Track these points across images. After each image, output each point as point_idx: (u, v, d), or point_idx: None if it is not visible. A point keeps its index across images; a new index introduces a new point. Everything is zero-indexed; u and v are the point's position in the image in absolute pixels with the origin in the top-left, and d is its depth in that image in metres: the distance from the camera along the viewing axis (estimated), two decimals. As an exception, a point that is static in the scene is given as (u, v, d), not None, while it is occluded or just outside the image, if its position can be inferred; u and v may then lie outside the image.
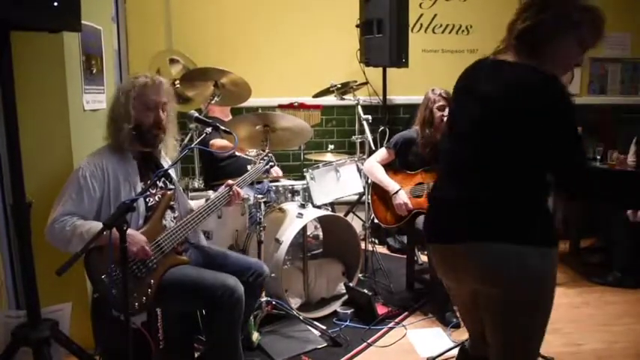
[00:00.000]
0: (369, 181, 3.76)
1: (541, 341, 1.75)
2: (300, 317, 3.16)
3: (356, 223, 4.31)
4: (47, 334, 2.12)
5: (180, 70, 4.16)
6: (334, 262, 3.69)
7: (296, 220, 3.32)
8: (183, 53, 4.43)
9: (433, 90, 3.54)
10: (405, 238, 4.66)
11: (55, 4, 1.88)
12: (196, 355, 2.75)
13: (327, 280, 3.59)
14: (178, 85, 3.79)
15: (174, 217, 2.54)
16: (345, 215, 4.61)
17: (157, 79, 2.42)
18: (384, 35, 4.41)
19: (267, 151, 3.20)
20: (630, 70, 5.60)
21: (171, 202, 2.52)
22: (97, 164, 2.32)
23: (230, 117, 4.09)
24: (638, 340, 3.22)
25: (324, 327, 3.15)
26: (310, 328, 3.17)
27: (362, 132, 3.89)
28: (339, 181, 3.67)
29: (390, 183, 3.55)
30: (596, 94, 5.58)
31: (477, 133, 1.71)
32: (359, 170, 3.77)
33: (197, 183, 3.62)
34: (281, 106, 4.64)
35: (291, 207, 3.50)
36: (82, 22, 2.97)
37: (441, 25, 5.31)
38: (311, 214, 3.39)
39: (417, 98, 4.88)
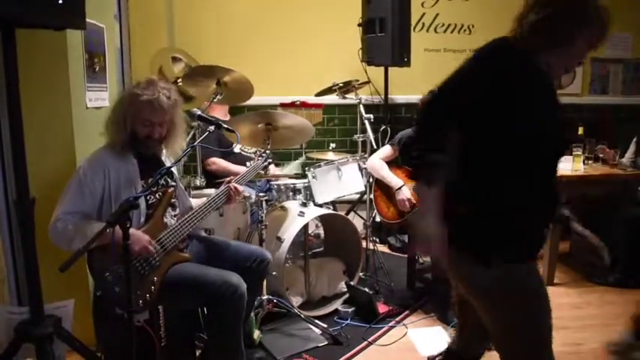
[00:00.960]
0: (372, 178, 3.77)
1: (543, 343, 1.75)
2: (302, 315, 3.16)
3: (357, 221, 4.31)
4: (50, 331, 2.12)
5: (183, 68, 4.17)
6: (335, 261, 3.70)
7: (297, 219, 3.33)
8: (186, 51, 4.44)
9: None
10: (406, 237, 4.67)
11: (60, 1, 1.88)
12: (198, 352, 2.76)
13: (328, 279, 3.60)
14: (181, 83, 3.79)
15: (175, 215, 2.55)
16: (347, 214, 4.62)
17: (161, 97, 2.35)
18: (386, 34, 4.42)
19: (267, 149, 3.23)
20: (632, 71, 5.60)
21: (172, 200, 2.53)
22: (97, 163, 2.34)
23: (228, 117, 4.10)
24: (638, 341, 3.23)
25: (325, 325, 3.15)
26: (311, 326, 3.17)
27: (364, 131, 3.90)
28: (340, 179, 3.67)
29: (394, 179, 3.57)
30: (598, 94, 5.59)
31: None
32: (360, 169, 3.77)
33: (199, 181, 3.63)
34: (283, 105, 4.65)
35: (292, 205, 3.51)
36: (86, 20, 3.00)
37: (443, 25, 5.32)
38: (312, 212, 3.40)
39: (419, 98, 4.92)
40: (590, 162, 4.28)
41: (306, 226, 3.46)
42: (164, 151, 2.57)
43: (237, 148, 3.98)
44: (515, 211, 1.67)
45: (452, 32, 5.31)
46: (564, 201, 4.18)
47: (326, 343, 3.06)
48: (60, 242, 2.20)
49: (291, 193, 3.70)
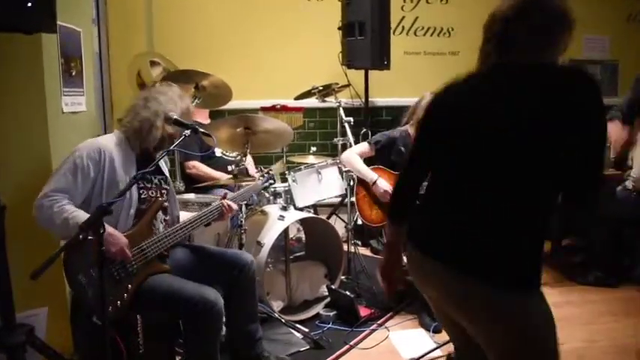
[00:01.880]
0: (352, 182, 3.76)
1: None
2: (283, 320, 3.14)
3: (339, 225, 4.32)
4: (22, 340, 2.08)
5: (161, 72, 4.13)
6: (317, 265, 3.68)
7: (278, 223, 3.31)
8: (165, 56, 4.41)
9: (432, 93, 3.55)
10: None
11: (29, 4, 1.86)
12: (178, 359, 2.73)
13: (309, 283, 3.58)
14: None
15: (165, 219, 2.53)
16: (328, 217, 4.62)
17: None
18: (366, 38, 4.43)
19: (269, 168, 3.30)
20: (609, 72, 5.67)
21: (165, 204, 2.53)
22: (96, 147, 2.32)
23: (209, 120, 4.08)
24: (618, 338, 3.25)
25: (306, 329, 3.14)
26: (292, 330, 3.15)
27: (344, 134, 3.90)
28: (320, 183, 3.67)
29: (369, 172, 3.55)
30: None
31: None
32: (341, 172, 3.76)
33: (179, 185, 3.60)
34: (263, 109, 4.64)
35: (272, 209, 3.49)
36: (61, 23, 2.95)
37: (422, 28, 5.35)
38: (293, 216, 3.39)
39: (399, 100, 4.95)
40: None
41: (286, 230, 3.44)
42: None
43: (218, 152, 3.95)
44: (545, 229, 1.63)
45: (431, 35, 5.34)
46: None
47: (307, 347, 3.04)
48: (41, 220, 2.18)
49: (271, 197, 3.68)
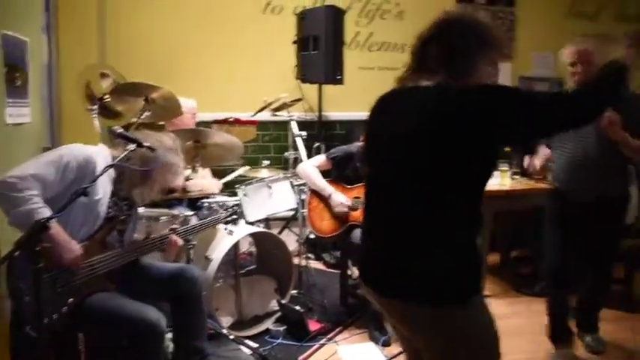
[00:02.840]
0: (303, 195, 3.76)
1: None
2: (230, 336, 3.11)
3: (291, 238, 4.31)
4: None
5: (110, 84, 4.06)
6: (267, 279, 3.66)
7: (227, 238, 3.29)
8: (116, 68, 4.34)
9: None
10: (339, 254, 4.67)
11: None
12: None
13: (260, 298, 3.56)
14: (108, 99, 3.70)
15: (120, 241, 2.50)
16: (281, 231, 4.61)
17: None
18: (320, 52, 4.46)
19: (235, 202, 3.38)
20: (557, 88, 5.84)
21: (122, 226, 2.51)
22: (87, 153, 2.30)
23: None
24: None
25: (255, 345, 3.11)
26: (241, 346, 3.12)
27: (296, 148, 3.90)
28: (271, 197, 3.66)
29: (326, 186, 3.56)
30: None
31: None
32: (292, 186, 3.77)
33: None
34: (217, 122, 4.60)
35: (222, 224, 3.46)
36: (5, 32, 2.89)
37: (377, 43, 5.42)
38: (242, 231, 3.37)
39: (353, 115, 5.00)
40: (517, 177, 4.42)
41: (236, 245, 3.42)
42: None
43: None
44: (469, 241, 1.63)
45: (386, 51, 5.42)
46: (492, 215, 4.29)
47: (256, 363, 3.02)
48: (3, 200, 2.10)
49: (222, 212, 3.65)
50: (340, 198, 3.51)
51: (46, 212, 2.08)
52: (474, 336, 1.61)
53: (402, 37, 5.35)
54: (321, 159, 3.68)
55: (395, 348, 3.15)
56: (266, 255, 3.85)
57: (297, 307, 3.39)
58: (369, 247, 1.74)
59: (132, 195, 2.52)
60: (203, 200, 3.56)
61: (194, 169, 3.28)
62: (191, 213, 3.29)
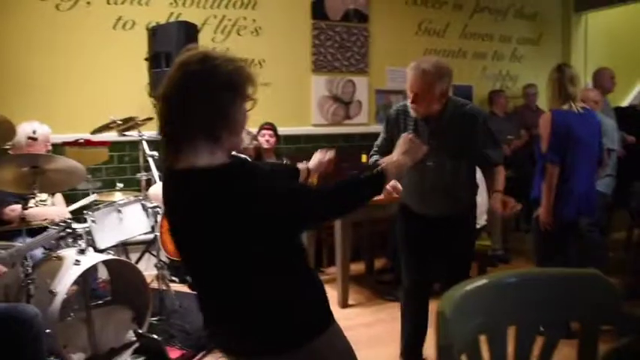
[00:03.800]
0: (159, 217, 3.61)
1: None
2: (80, 374, 2.89)
3: (153, 262, 4.12)
4: None
5: None
6: (123, 309, 3.46)
7: (73, 268, 3.06)
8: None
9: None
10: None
11: None
12: None
13: (115, 329, 3.35)
14: None
15: None
16: (141, 255, 4.39)
17: None
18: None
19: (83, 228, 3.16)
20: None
21: None
22: None
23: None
24: (428, 348, 3.44)
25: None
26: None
27: (149, 169, 3.74)
28: (122, 222, 3.47)
29: None
30: (383, 122, 5.98)
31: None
32: (145, 209, 3.60)
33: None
34: (66, 144, 4.30)
35: (69, 253, 3.22)
36: None
37: (234, 59, 5.37)
38: (90, 260, 3.15)
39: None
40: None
41: (85, 275, 3.19)
42: None
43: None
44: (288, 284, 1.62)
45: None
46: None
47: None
48: None
49: (70, 240, 3.40)
50: None
51: None
52: None
53: (260, 53, 5.35)
54: None
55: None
56: (121, 283, 3.64)
57: (155, 336, 3.23)
58: (204, 308, 1.71)
59: None
60: (48, 229, 3.29)
61: (34, 196, 3.03)
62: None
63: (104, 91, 4.81)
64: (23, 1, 4.63)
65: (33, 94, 4.56)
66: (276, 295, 1.56)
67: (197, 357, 3.33)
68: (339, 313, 4.06)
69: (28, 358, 2.46)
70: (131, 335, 3.37)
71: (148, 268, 4.05)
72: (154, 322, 3.60)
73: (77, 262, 3.09)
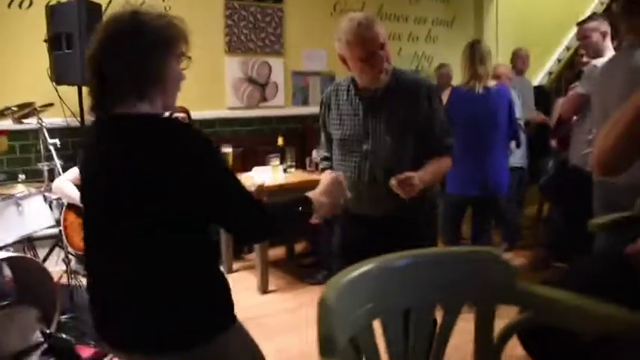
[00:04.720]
0: (64, 209, 3.41)
1: None
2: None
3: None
4: None
5: None
6: (28, 309, 3.23)
7: (-34, 269, 2.84)
8: None
9: None
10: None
11: None
12: None
13: (19, 331, 3.13)
14: None
15: None
16: (51, 250, 4.15)
17: None
18: (75, 51, 4.07)
19: None
20: (327, 82, 6.10)
21: None
22: None
23: None
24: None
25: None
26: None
27: (49, 158, 3.51)
28: (22, 215, 3.24)
29: None
30: (300, 105, 5.98)
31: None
32: (48, 201, 3.39)
33: None
34: (-41, 134, 3.99)
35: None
36: None
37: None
38: (-16, 258, 2.93)
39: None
40: (292, 170, 4.51)
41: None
42: None
43: None
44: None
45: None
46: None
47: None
48: None
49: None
50: None
51: None
52: None
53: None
54: (75, 172, 3.34)
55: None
56: (26, 281, 3.41)
57: (64, 335, 3.06)
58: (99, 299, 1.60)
59: None
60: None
61: None
62: None
63: (5, 75, 4.48)
64: None
65: None
66: (181, 286, 1.48)
67: (111, 355, 3.18)
68: (259, 300, 4.08)
69: None
70: (38, 336, 3.18)
71: (58, 263, 3.84)
72: (64, 320, 3.41)
73: (-29, 262, 2.86)
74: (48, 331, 3.14)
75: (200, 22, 5.30)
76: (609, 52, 3.51)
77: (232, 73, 5.56)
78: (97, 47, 1.45)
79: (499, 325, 1.47)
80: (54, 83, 4.24)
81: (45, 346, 3.15)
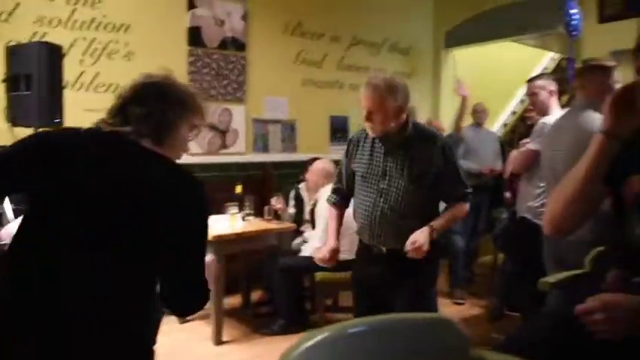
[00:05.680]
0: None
1: None
2: None
3: None
4: None
5: None
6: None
7: None
8: None
9: None
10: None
11: None
12: None
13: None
14: None
15: None
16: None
17: None
18: (33, 93, 4.02)
19: None
20: (288, 130, 6.17)
21: None
22: None
23: None
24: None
25: None
26: None
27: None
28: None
29: None
30: (260, 151, 5.99)
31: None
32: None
33: None
34: None
35: None
36: None
37: (104, 84, 5.11)
38: None
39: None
40: (250, 218, 4.49)
41: None
42: None
43: None
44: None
45: (113, 92, 5.07)
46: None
47: None
48: None
49: None
50: None
51: None
52: None
53: (132, 79, 5.12)
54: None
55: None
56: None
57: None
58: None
59: None
60: None
61: None
62: None
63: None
64: None
65: None
66: (140, 324, 1.56)
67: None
68: (213, 351, 3.98)
69: None
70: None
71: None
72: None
73: None
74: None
75: (163, 68, 5.32)
76: (556, 110, 3.67)
77: (194, 119, 5.54)
78: (129, 90, 1.71)
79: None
80: (9, 124, 4.15)
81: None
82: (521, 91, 8.13)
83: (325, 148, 6.41)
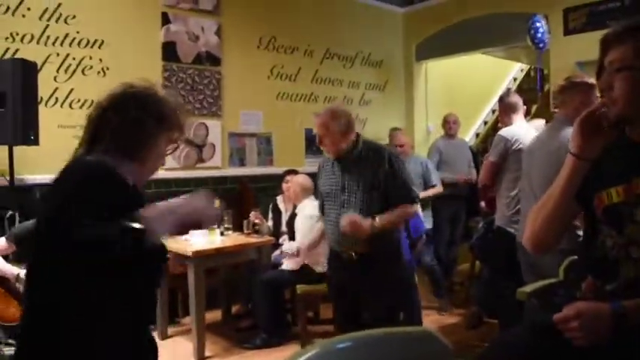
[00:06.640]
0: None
1: None
2: None
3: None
4: None
5: None
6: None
7: None
8: None
9: None
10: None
11: None
12: None
13: None
14: None
15: None
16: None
17: None
18: (7, 110, 3.98)
19: None
20: (264, 143, 6.20)
21: None
22: None
23: None
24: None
25: None
26: None
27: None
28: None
29: (11, 268, 3.15)
30: (237, 165, 6.01)
31: None
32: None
33: None
34: None
35: None
36: None
37: (79, 100, 5.07)
38: None
39: (52, 177, 4.54)
40: (229, 232, 4.50)
41: None
42: None
43: None
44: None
45: (88, 108, 5.05)
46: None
47: None
48: None
49: None
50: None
51: None
52: None
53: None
54: (1, 242, 3.24)
55: None
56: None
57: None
58: None
59: None
60: None
61: None
62: None
63: None
64: None
65: None
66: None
67: None
68: (194, 367, 3.96)
69: None
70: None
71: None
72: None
73: None
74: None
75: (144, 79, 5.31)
76: (518, 122, 3.83)
77: (169, 134, 5.53)
78: (107, 99, 1.67)
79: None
80: (-10, 143, 4.11)
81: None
82: (493, 101, 8.30)
83: (301, 161, 6.45)
